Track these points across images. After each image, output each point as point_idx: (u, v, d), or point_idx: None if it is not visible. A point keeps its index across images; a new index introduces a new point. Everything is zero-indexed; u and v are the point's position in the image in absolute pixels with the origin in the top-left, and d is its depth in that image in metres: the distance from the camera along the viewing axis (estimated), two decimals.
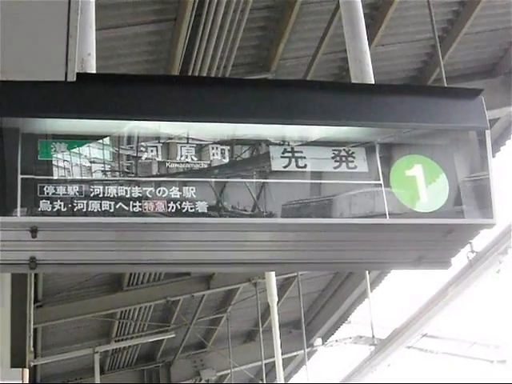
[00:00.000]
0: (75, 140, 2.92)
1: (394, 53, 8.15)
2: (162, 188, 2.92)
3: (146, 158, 2.96)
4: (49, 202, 2.79)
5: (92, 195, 2.85)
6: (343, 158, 3.14)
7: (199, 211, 2.92)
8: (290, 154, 3.10)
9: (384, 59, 8.05)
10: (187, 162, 2.99)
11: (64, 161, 2.88)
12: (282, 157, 3.09)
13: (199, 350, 14.88)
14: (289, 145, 3.12)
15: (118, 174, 2.93)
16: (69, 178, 2.86)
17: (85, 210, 2.82)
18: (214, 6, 6.49)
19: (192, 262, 3.30)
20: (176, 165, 2.98)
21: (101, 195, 2.85)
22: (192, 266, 3.79)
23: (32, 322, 8.60)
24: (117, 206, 2.85)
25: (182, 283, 12.19)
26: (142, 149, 2.97)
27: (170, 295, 12.08)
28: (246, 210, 3.00)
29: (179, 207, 2.91)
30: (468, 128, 3.29)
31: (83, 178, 2.88)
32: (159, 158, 2.98)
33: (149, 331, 13.39)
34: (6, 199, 2.76)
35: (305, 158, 3.11)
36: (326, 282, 13.83)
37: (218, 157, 3.03)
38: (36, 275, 9.91)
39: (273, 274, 9.91)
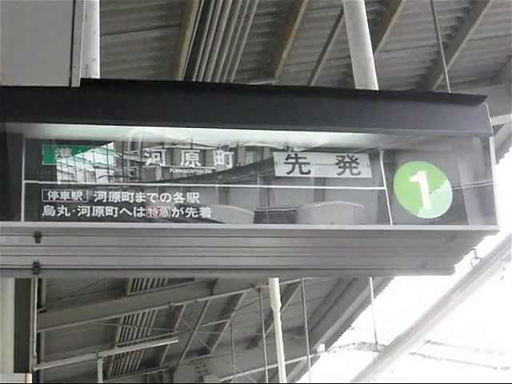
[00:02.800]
0: (79, 145, 2.91)
1: (398, 59, 8.16)
2: (165, 193, 2.92)
3: (149, 164, 2.96)
4: (53, 207, 2.79)
5: (96, 200, 2.84)
6: (347, 164, 3.13)
7: (203, 217, 2.92)
8: (293, 160, 3.10)
9: (388, 65, 8.07)
10: (191, 168, 2.99)
11: (68, 166, 2.88)
12: (285, 163, 3.09)
13: (202, 355, 14.88)
14: (293, 151, 3.12)
15: (121, 179, 2.93)
16: (73, 183, 2.86)
17: (88, 215, 2.82)
18: (218, 12, 6.50)
19: (195, 268, 3.30)
20: (180, 170, 2.98)
21: (105, 200, 2.85)
22: (195, 272, 3.79)
23: (35, 327, 8.60)
24: (120, 212, 2.85)
25: (185, 289, 12.20)
26: (145, 154, 2.97)
27: (173, 300, 12.09)
28: (249, 216, 3.00)
29: (183, 213, 2.91)
30: (472, 134, 3.28)
31: (87, 183, 2.88)
32: (163, 164, 2.97)
33: (152, 336, 13.40)
34: (10, 204, 2.76)
35: (309, 163, 3.10)
36: (329, 288, 13.83)
37: (221, 162, 3.03)
38: (40, 280, 9.92)
39: (276, 279, 9.89)
